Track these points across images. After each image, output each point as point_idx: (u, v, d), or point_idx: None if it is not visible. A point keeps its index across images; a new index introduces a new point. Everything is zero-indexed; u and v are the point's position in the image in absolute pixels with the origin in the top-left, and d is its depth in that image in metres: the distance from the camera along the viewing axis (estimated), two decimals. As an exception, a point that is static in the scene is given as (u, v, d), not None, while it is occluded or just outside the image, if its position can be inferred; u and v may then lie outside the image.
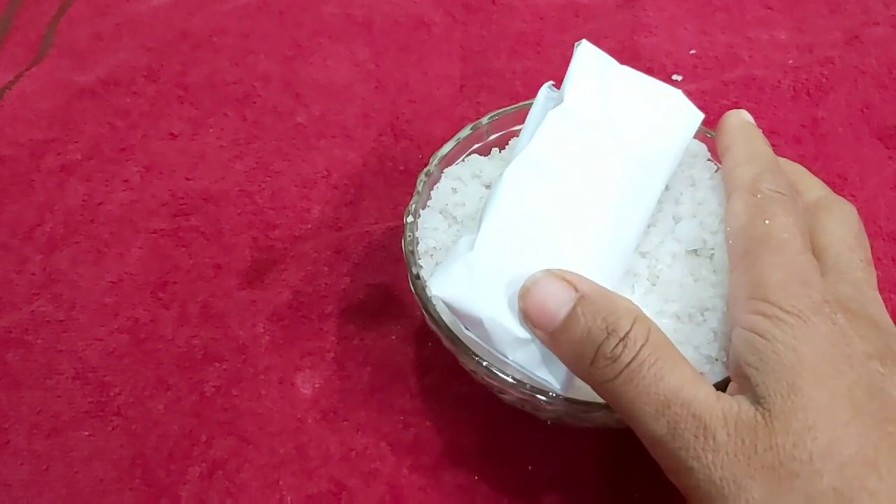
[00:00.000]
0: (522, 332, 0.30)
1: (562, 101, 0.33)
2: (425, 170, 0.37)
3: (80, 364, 0.39)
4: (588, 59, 0.34)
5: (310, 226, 0.44)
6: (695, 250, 0.35)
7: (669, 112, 0.35)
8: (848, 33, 0.52)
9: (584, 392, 0.32)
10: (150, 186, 0.46)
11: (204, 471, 0.36)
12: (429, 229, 0.36)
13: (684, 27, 0.53)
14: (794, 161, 0.46)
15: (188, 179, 0.46)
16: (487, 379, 0.32)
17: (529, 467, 0.36)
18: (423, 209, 0.37)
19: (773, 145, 0.46)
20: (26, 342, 0.40)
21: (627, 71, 0.35)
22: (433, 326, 0.33)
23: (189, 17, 0.54)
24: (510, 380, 0.31)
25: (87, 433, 0.37)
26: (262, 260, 0.43)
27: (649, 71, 0.50)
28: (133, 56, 0.52)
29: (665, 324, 0.33)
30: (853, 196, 0.44)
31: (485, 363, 0.31)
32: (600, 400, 0.31)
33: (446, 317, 0.33)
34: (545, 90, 0.34)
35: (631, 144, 0.33)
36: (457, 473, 0.36)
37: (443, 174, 0.38)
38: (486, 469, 0.36)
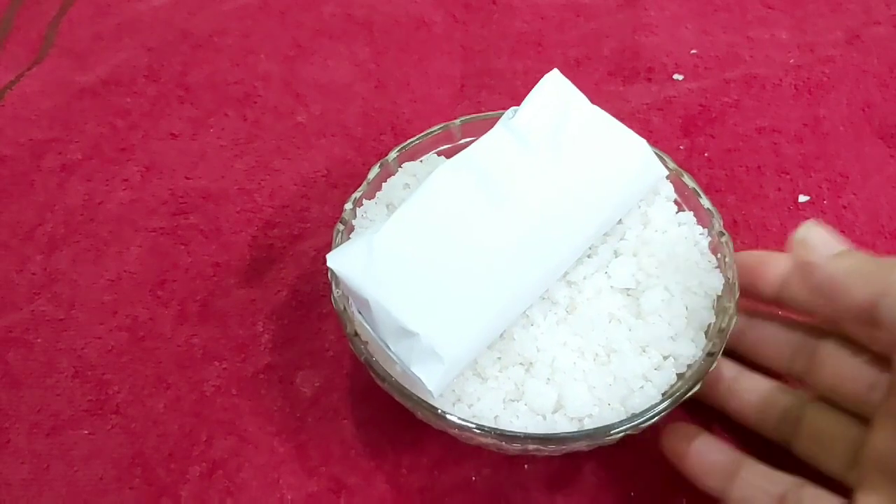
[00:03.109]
0: (408, 324, 0.29)
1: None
2: (382, 160, 0.37)
3: (79, 362, 0.39)
4: (551, 88, 0.34)
5: (309, 225, 0.44)
6: (626, 289, 0.34)
7: (627, 158, 0.35)
8: (849, 32, 0.52)
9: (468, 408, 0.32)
10: (150, 186, 0.46)
11: (204, 470, 0.36)
12: (366, 220, 0.36)
13: (685, 27, 0.53)
14: (796, 159, 0.46)
15: (188, 178, 0.46)
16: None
17: (525, 466, 0.36)
18: (368, 199, 0.37)
19: (774, 144, 0.47)
20: (27, 341, 0.40)
21: (594, 111, 0.35)
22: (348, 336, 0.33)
23: (190, 16, 0.54)
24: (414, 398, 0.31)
25: (86, 432, 0.37)
26: (261, 258, 0.43)
27: (650, 71, 0.50)
28: (134, 56, 0.52)
29: (566, 356, 0.32)
30: (855, 195, 0.44)
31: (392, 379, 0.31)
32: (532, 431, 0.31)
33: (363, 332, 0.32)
34: (509, 112, 0.35)
35: (573, 176, 0.33)
36: (455, 473, 0.36)
37: (401, 168, 0.38)
38: (484, 469, 0.36)
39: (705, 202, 0.36)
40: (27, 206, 0.45)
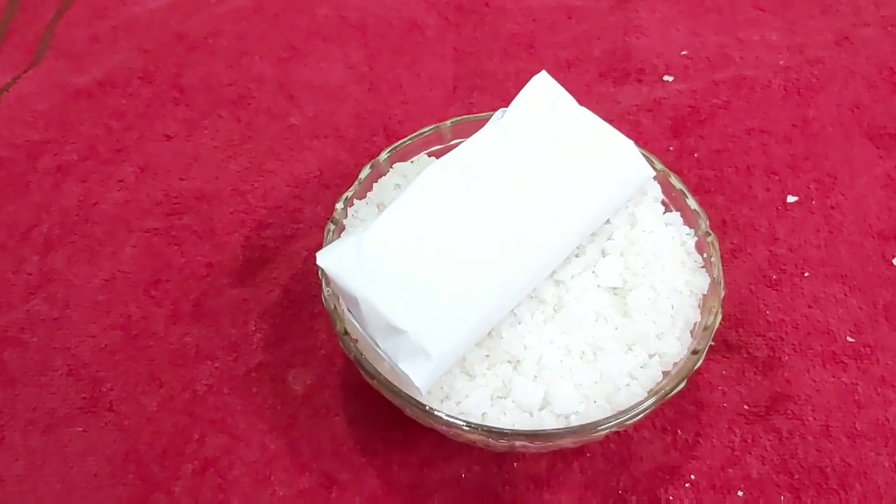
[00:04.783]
0: (396, 321, 0.30)
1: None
2: (372, 161, 0.38)
3: (73, 360, 0.39)
4: (540, 89, 0.35)
5: (301, 225, 0.44)
6: (613, 289, 0.35)
7: (614, 159, 0.35)
8: (838, 34, 0.52)
9: (455, 406, 0.32)
10: (145, 186, 0.46)
11: (197, 467, 0.36)
12: (357, 219, 0.37)
13: (676, 28, 0.53)
14: (785, 160, 0.47)
15: (182, 179, 0.46)
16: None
17: (514, 464, 0.36)
18: (359, 199, 0.37)
19: (763, 145, 0.47)
20: (22, 340, 0.40)
21: (582, 112, 0.36)
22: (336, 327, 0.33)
23: (185, 19, 0.55)
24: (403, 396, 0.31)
25: (80, 429, 0.37)
26: (253, 259, 0.43)
27: (640, 72, 0.51)
28: (129, 58, 0.53)
29: (553, 354, 0.33)
30: (843, 195, 0.45)
31: (375, 380, 0.32)
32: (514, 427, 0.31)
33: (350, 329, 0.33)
34: (498, 113, 0.35)
35: (560, 177, 0.33)
36: (445, 470, 0.36)
37: (391, 168, 0.39)
38: (473, 466, 0.36)
39: (692, 203, 0.37)
40: (23, 206, 0.45)
